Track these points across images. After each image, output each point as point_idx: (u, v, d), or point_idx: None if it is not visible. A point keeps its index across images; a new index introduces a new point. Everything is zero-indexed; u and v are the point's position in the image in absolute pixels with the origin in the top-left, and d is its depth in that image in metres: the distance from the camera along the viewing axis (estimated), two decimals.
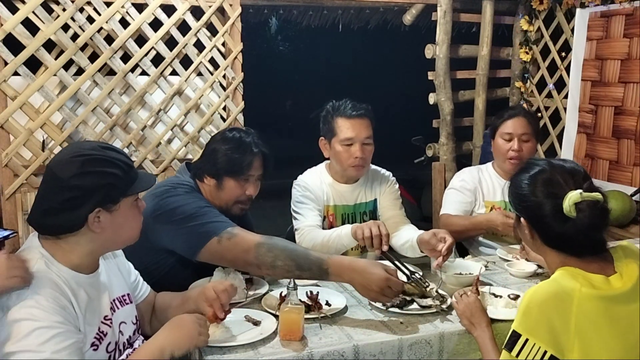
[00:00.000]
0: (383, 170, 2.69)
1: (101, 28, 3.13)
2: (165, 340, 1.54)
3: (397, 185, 2.67)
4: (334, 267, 1.82)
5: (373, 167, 2.65)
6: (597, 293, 1.40)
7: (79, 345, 1.43)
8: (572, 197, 1.43)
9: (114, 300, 1.63)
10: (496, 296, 1.97)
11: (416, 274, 2.01)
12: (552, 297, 1.41)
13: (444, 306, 1.88)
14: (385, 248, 2.08)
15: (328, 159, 2.58)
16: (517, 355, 1.40)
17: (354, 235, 2.17)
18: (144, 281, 1.88)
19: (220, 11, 3.40)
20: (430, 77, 4.06)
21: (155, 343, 1.54)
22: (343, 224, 2.53)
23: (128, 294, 1.71)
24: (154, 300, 1.89)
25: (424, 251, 2.25)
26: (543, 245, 1.55)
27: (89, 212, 1.47)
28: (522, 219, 1.59)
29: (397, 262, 2.04)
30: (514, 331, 1.43)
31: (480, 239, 2.76)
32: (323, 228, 2.49)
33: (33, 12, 2.97)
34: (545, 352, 1.38)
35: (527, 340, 1.40)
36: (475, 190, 2.76)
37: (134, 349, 1.67)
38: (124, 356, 1.63)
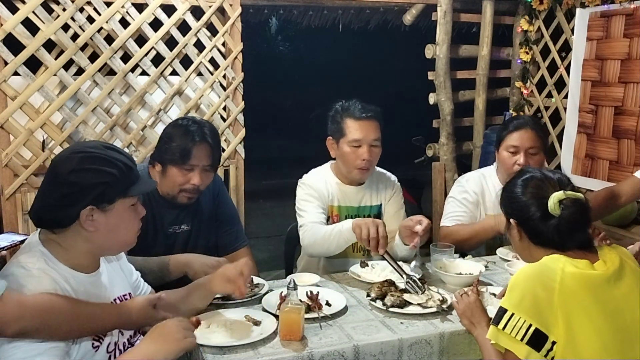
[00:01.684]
0: (388, 174, 2.68)
1: (101, 28, 3.13)
2: (149, 349, 1.47)
3: (401, 192, 2.66)
4: (173, 258, 2.09)
5: (378, 169, 2.64)
6: (580, 272, 1.51)
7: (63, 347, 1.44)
8: (557, 195, 1.58)
9: (114, 300, 1.63)
10: (496, 296, 1.97)
11: (413, 277, 2.00)
12: (537, 274, 1.52)
13: (444, 306, 1.88)
14: (381, 252, 2.06)
15: (334, 159, 2.57)
16: (503, 328, 1.49)
17: (354, 231, 2.14)
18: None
19: (220, 11, 3.40)
20: (430, 77, 4.06)
21: (141, 352, 1.48)
22: None
23: (130, 294, 1.71)
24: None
25: (404, 240, 2.24)
26: (531, 244, 1.66)
27: (82, 209, 1.47)
28: (511, 221, 1.69)
29: (393, 264, 2.07)
30: (500, 307, 1.53)
31: (482, 250, 2.71)
32: None
33: (33, 12, 2.97)
34: (530, 326, 1.46)
35: (512, 314, 1.49)
36: (477, 202, 2.66)
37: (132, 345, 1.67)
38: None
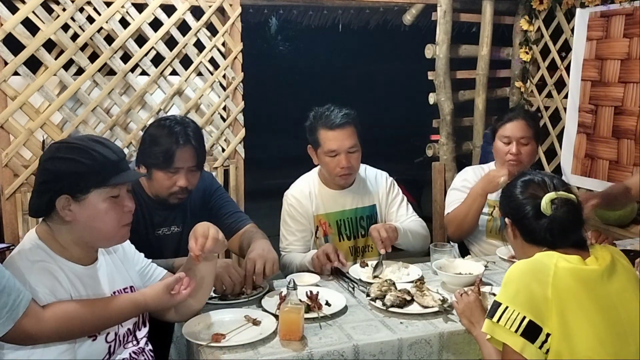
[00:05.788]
0: (379, 172, 2.65)
1: (101, 28, 3.13)
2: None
3: (396, 186, 2.64)
4: (178, 261, 2.03)
5: (368, 169, 2.62)
6: (573, 266, 1.54)
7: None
8: (549, 196, 1.63)
9: (114, 292, 1.64)
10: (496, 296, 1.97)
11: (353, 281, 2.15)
12: (531, 268, 1.56)
13: (445, 305, 1.88)
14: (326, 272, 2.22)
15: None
16: (498, 321, 1.52)
17: (312, 266, 2.26)
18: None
19: (220, 11, 3.40)
20: (430, 77, 4.06)
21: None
22: (338, 230, 2.53)
23: (131, 287, 1.71)
24: None
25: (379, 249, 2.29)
26: (524, 243, 1.70)
27: (55, 197, 1.49)
28: (506, 220, 1.74)
29: (345, 276, 2.19)
30: (495, 301, 1.56)
31: (485, 237, 2.75)
32: (317, 237, 2.51)
33: (33, 12, 2.97)
34: (524, 318, 1.49)
35: (506, 307, 1.52)
36: None
37: (137, 341, 1.68)
38: (125, 355, 1.64)
